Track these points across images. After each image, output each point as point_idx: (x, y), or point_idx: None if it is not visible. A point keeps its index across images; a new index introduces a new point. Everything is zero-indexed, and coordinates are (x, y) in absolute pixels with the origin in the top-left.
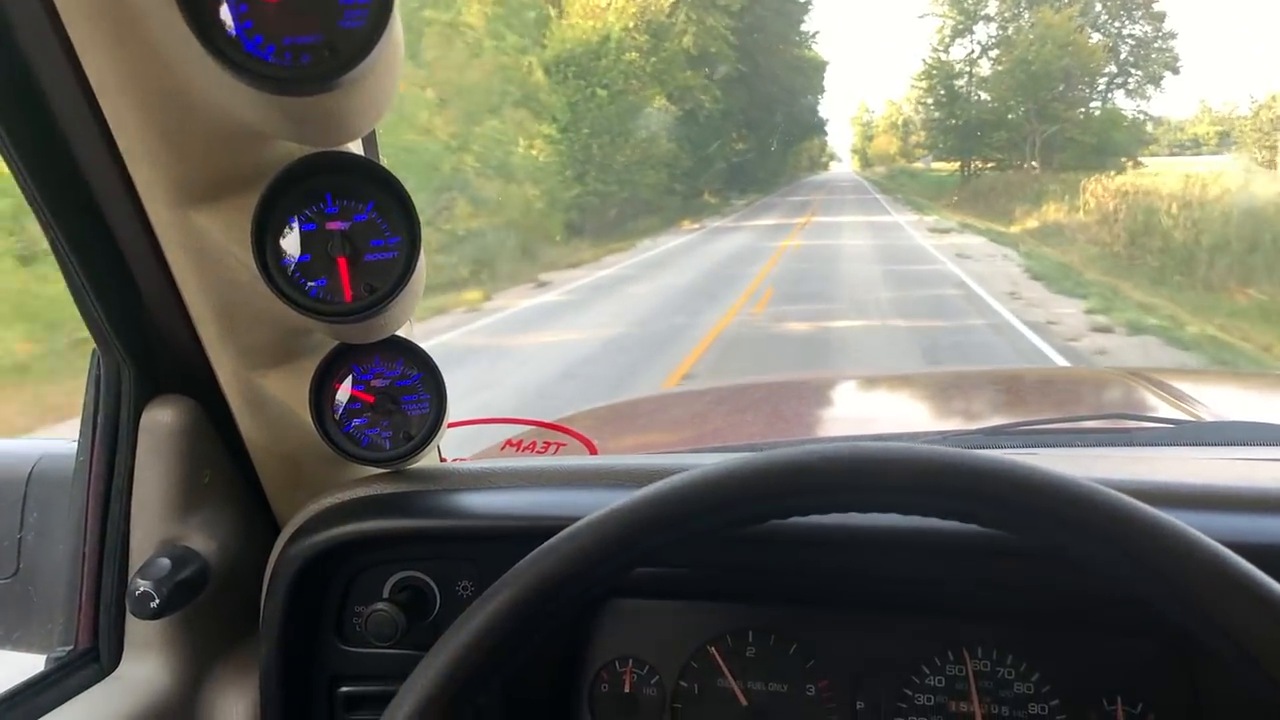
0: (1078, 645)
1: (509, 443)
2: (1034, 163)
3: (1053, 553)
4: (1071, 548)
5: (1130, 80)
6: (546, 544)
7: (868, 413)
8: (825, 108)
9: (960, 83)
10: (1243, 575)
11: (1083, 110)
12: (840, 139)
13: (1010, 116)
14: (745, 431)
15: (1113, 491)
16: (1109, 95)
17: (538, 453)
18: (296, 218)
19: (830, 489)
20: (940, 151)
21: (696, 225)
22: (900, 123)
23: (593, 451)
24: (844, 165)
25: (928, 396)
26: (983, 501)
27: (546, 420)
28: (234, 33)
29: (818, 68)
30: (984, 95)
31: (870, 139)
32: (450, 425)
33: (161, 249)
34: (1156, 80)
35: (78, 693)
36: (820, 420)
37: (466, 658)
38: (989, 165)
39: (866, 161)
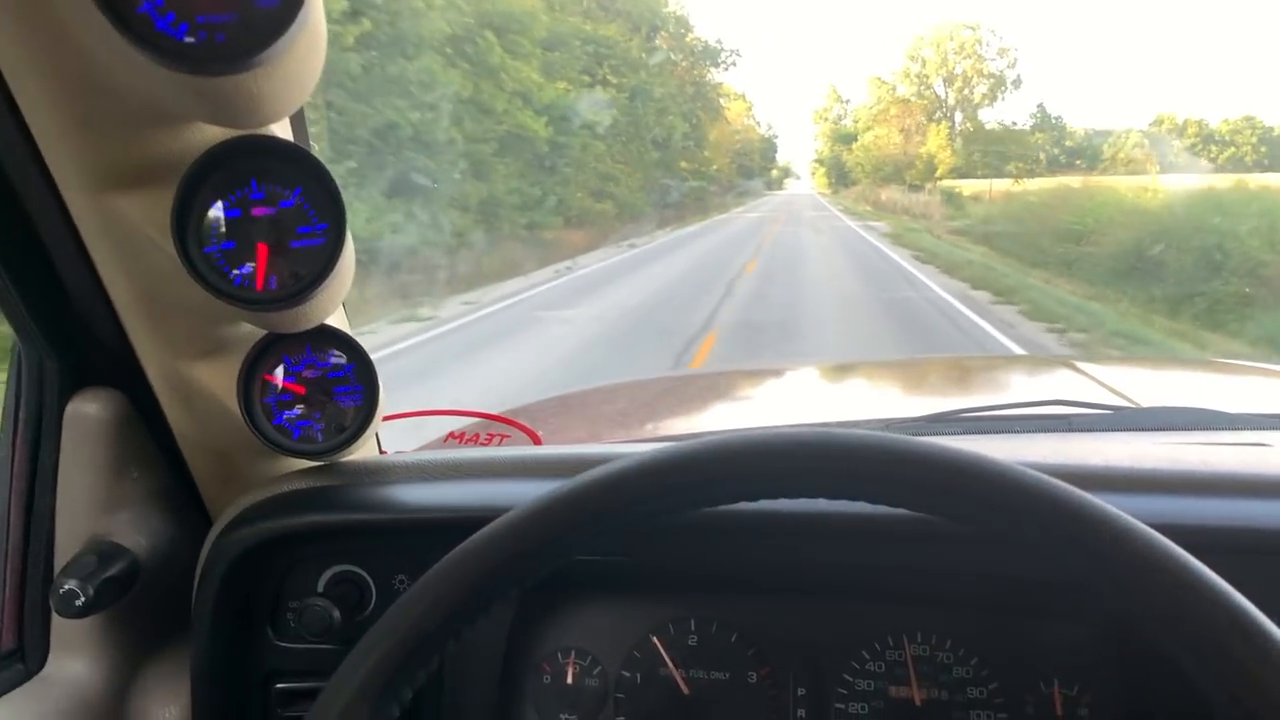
0: (1015, 629)
1: (452, 435)
2: None
3: (980, 532)
4: (997, 528)
5: None
6: (471, 538)
7: (812, 401)
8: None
9: None
10: (1164, 554)
11: None
12: (797, 149)
13: None
14: (690, 421)
15: (1033, 473)
16: None
17: (481, 444)
18: (221, 203)
19: (748, 475)
20: None
21: None
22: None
23: (537, 443)
24: (804, 184)
25: (872, 385)
26: (898, 484)
27: (492, 412)
28: (145, 9)
29: None
30: None
31: (850, 142)
32: (388, 418)
33: (81, 237)
34: None
35: (1, 694)
36: (764, 409)
37: (391, 654)
38: None
39: (842, 177)
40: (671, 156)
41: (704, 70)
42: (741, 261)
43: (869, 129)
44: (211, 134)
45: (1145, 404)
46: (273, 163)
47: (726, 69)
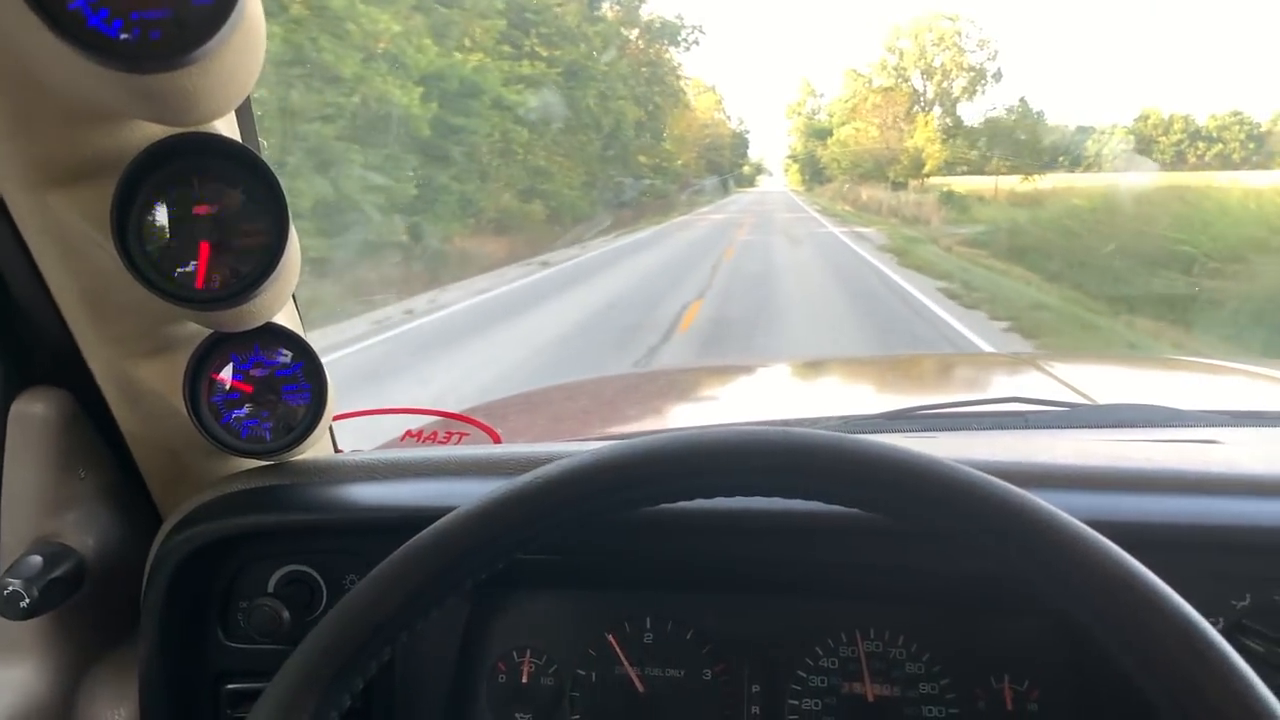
0: (966, 625)
1: (409, 433)
2: None
3: (923, 529)
4: (938, 526)
5: None
6: (425, 530)
7: (773, 398)
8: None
9: None
10: (1101, 552)
11: None
12: (769, 145)
13: None
14: (652, 419)
15: (974, 472)
16: None
17: (440, 443)
18: (162, 201)
19: (690, 474)
20: None
21: None
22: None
23: (496, 440)
24: (777, 181)
25: (836, 382)
26: (830, 481)
27: (450, 410)
28: (77, 5)
29: None
30: None
31: (825, 137)
32: (340, 417)
33: (23, 235)
34: None
35: None
36: (726, 406)
37: (341, 643)
38: None
39: (816, 174)
40: (625, 149)
41: (661, 49)
42: (680, 303)
43: (844, 123)
44: (152, 131)
45: (1103, 401)
46: (214, 160)
47: (688, 48)
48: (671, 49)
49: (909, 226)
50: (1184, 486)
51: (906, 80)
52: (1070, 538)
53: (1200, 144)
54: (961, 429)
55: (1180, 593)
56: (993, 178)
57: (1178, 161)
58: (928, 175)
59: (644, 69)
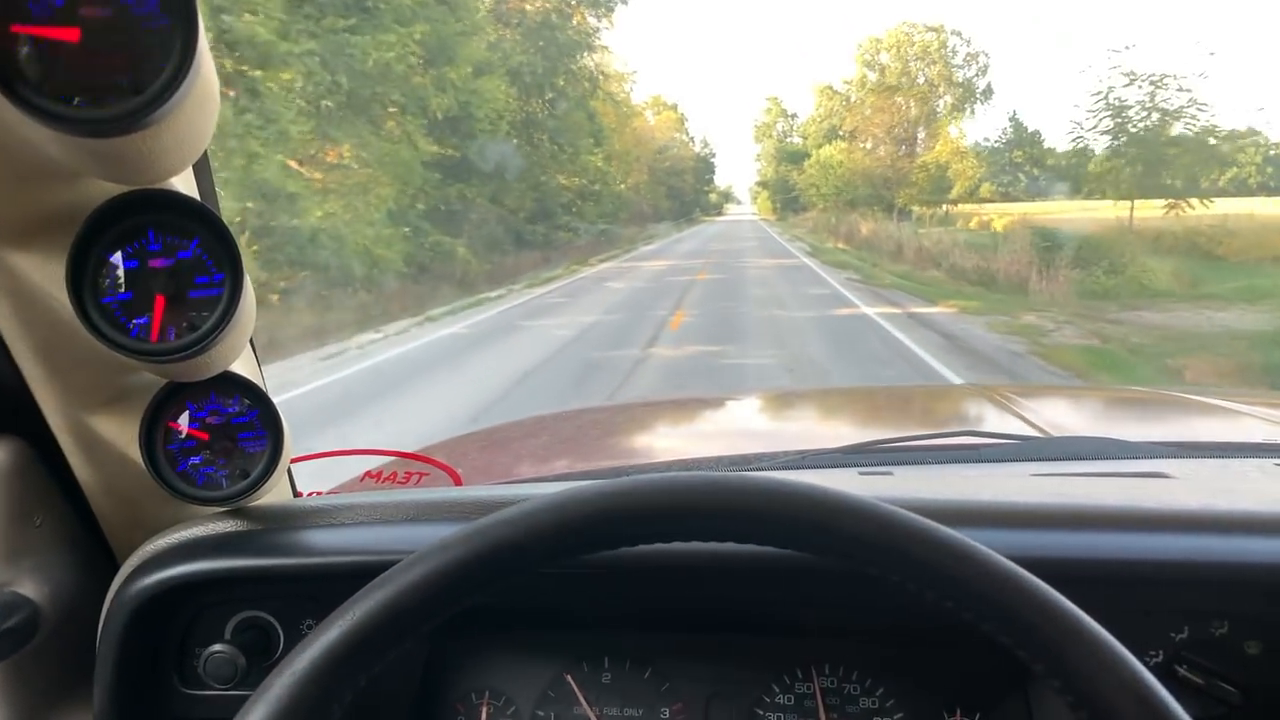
0: (919, 660)
1: (368, 474)
2: None
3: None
4: (869, 566)
5: None
6: (374, 581)
7: (735, 433)
8: None
9: None
10: (1034, 589)
11: None
12: (737, 172)
13: None
14: (612, 456)
15: (899, 510)
16: None
17: (399, 484)
18: (119, 255)
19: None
20: None
21: None
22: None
23: (457, 481)
24: (745, 208)
25: (796, 416)
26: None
27: (408, 450)
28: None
29: None
30: None
31: (800, 160)
32: (297, 460)
33: None
34: None
35: None
36: (689, 442)
37: (292, 697)
38: None
39: (790, 202)
40: (517, 165)
41: (572, 7)
42: None
43: (821, 144)
44: (107, 187)
45: (1055, 434)
46: (169, 215)
47: (610, 9)
48: (586, 11)
49: (1011, 303)
50: (1123, 523)
51: (889, 97)
52: (989, 570)
53: (1215, 167)
54: (916, 463)
55: (1119, 626)
56: (1044, 200)
57: (1190, 186)
58: (955, 202)
59: (540, 41)
